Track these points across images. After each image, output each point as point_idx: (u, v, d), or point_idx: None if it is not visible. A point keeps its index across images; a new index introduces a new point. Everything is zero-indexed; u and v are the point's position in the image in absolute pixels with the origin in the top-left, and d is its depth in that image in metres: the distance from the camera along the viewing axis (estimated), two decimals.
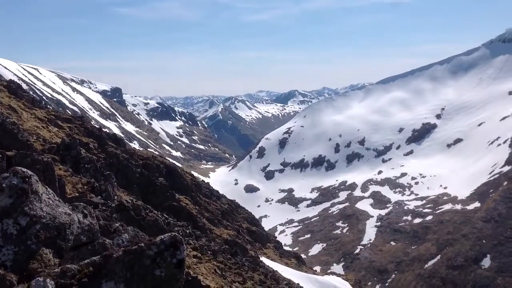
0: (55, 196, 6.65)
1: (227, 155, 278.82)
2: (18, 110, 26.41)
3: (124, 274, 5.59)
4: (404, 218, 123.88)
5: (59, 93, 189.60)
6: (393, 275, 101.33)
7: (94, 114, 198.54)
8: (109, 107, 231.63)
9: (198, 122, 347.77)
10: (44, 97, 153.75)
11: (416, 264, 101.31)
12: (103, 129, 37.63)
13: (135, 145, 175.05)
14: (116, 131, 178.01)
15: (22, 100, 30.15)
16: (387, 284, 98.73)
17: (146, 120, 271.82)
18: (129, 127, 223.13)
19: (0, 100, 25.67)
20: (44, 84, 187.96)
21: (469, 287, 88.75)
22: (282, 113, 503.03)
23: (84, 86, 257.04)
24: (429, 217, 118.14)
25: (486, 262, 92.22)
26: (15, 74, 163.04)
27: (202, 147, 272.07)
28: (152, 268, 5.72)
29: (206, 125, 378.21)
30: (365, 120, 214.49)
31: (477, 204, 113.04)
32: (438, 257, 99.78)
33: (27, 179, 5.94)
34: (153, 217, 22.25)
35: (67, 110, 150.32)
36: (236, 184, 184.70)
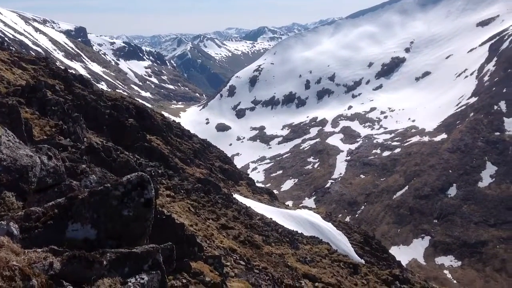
0: (15, 138, 6.46)
1: (197, 94, 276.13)
2: None
3: (91, 215, 5.54)
4: (374, 151, 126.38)
5: (21, 34, 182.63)
6: (363, 207, 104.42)
7: (58, 55, 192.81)
8: (73, 47, 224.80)
9: (167, 61, 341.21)
10: (6, 38, 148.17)
11: (384, 195, 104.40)
12: (69, 70, 36.60)
13: (102, 86, 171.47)
14: (83, 72, 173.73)
15: None
16: (357, 216, 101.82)
17: (113, 60, 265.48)
18: (96, 68, 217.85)
19: None
20: (5, 24, 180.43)
21: (435, 216, 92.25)
22: (252, 51, 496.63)
23: (47, 26, 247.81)
24: (398, 150, 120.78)
25: (452, 191, 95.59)
26: None
27: (171, 86, 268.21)
28: (119, 209, 5.67)
29: (175, 65, 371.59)
30: (335, 56, 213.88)
31: (444, 136, 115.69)
32: (406, 188, 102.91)
33: None
34: (124, 158, 22.05)
35: (31, 51, 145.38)
36: (207, 123, 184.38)
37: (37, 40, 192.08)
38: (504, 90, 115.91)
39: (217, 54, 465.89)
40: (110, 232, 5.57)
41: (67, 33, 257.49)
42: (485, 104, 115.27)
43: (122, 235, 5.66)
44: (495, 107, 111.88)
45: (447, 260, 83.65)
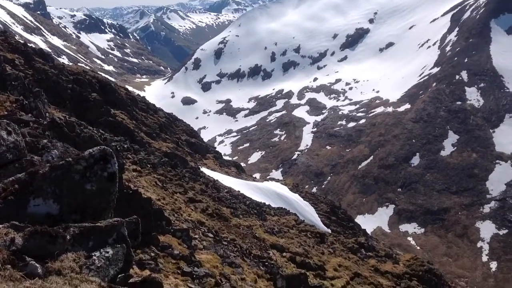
0: None
1: (162, 67, 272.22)
2: None
3: (53, 190, 5.46)
4: (339, 123, 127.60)
5: None
6: (329, 177, 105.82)
7: (17, 29, 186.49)
8: (33, 20, 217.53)
9: (130, 34, 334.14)
10: None
11: (350, 165, 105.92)
12: (28, 44, 35.52)
13: (64, 60, 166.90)
14: (43, 46, 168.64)
15: None
16: (323, 186, 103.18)
17: (74, 33, 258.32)
18: (56, 41, 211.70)
19: None
20: None
21: (399, 184, 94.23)
22: (217, 23, 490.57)
23: None
24: (362, 121, 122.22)
25: (416, 160, 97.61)
26: None
27: (135, 60, 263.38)
28: (82, 183, 5.61)
29: (138, 37, 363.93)
30: (300, 27, 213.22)
31: (407, 106, 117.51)
32: (371, 158, 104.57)
33: None
34: (88, 133, 21.68)
35: None
36: (172, 97, 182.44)
37: None
38: (466, 60, 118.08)
39: (181, 26, 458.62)
40: (73, 207, 5.52)
41: (25, 6, 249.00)
42: (447, 74, 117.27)
43: (85, 209, 5.61)
44: (457, 76, 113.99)
45: (410, 227, 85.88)
